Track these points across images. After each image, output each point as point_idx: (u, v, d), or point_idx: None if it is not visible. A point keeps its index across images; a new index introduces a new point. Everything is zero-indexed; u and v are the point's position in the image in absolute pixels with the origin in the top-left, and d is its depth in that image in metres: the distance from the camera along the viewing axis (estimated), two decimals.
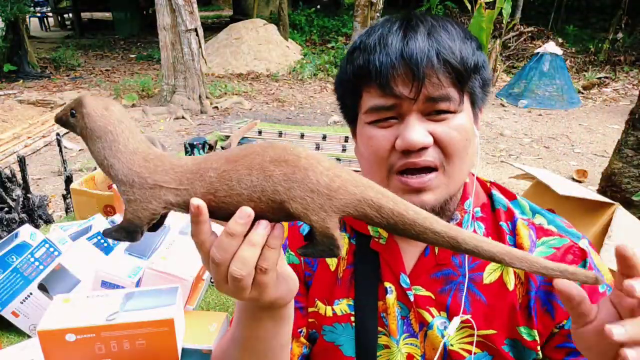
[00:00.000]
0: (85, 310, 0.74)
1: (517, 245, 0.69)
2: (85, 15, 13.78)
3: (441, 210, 0.65)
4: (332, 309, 0.73)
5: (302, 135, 2.32)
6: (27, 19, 10.07)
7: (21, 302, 0.96)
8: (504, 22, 7.11)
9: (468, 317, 0.67)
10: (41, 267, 1.03)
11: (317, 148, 2.26)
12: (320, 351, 0.76)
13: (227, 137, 2.31)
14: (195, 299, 1.09)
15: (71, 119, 0.50)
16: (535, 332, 0.67)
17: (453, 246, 0.47)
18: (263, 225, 0.46)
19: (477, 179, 0.74)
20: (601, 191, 2.65)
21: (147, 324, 0.71)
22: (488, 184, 0.76)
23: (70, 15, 13.32)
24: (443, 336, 0.68)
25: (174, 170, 0.49)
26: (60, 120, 0.51)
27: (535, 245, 0.68)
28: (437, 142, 0.61)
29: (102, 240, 1.26)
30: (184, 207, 0.48)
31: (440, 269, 0.69)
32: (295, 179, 0.47)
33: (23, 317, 0.96)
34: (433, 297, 0.69)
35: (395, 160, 0.63)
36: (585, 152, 4.60)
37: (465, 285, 0.68)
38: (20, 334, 0.95)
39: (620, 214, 1.74)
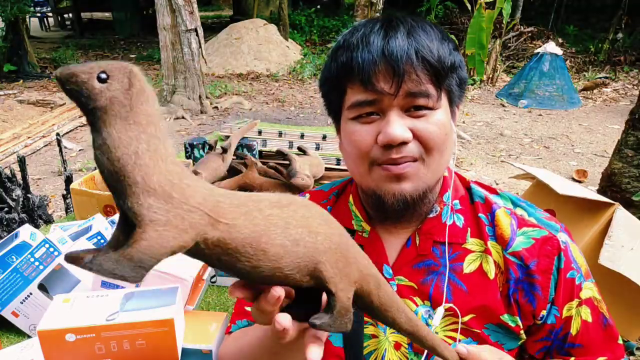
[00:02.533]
0: (85, 310, 0.74)
1: (497, 235, 0.72)
2: (85, 15, 13.77)
3: (420, 200, 0.68)
4: None
5: (302, 135, 2.32)
6: (27, 19, 10.07)
7: (21, 302, 0.96)
8: (504, 22, 7.11)
9: (451, 305, 0.69)
10: (41, 267, 1.03)
11: (317, 148, 2.26)
12: None
13: (227, 137, 2.31)
14: (195, 299, 1.09)
15: (97, 84, 0.36)
16: (518, 318, 0.70)
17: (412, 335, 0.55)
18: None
19: (456, 174, 0.77)
20: (601, 191, 2.65)
21: (147, 324, 0.71)
22: (467, 179, 0.78)
23: (70, 15, 13.31)
24: (428, 324, 0.70)
25: (215, 197, 0.40)
26: (71, 80, 0.35)
27: (516, 234, 0.71)
28: (417, 137, 0.65)
29: (102, 240, 1.26)
30: (217, 249, 0.39)
31: (421, 260, 0.72)
32: (335, 242, 0.44)
33: (23, 317, 0.96)
34: (416, 287, 0.72)
35: (378, 154, 0.66)
36: (585, 152, 4.60)
37: (447, 276, 0.70)
38: (20, 334, 0.95)
39: (620, 214, 1.74)
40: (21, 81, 7.24)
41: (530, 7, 10.10)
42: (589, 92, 6.80)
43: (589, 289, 0.72)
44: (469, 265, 0.71)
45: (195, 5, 5.57)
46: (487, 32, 6.65)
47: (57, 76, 0.36)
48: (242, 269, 0.41)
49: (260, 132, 2.36)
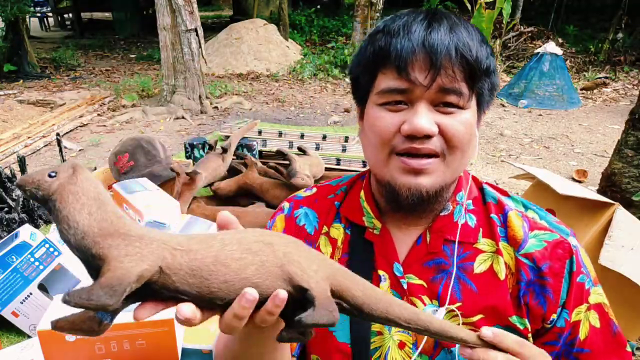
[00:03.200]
0: None
1: (509, 236, 0.71)
2: (85, 15, 13.77)
3: (434, 197, 0.67)
4: None
5: (302, 135, 2.32)
6: (27, 19, 10.07)
7: (21, 302, 0.96)
8: (504, 22, 7.11)
9: (453, 307, 0.69)
10: (41, 267, 1.03)
11: (317, 148, 2.26)
12: (315, 338, 0.77)
13: (227, 137, 2.31)
14: None
15: (47, 178, 0.44)
16: (526, 320, 0.69)
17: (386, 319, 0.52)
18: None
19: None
20: (601, 191, 2.65)
21: (147, 324, 0.71)
22: (479, 180, 0.78)
23: (70, 15, 13.31)
24: None
25: (166, 234, 0.46)
26: (29, 182, 0.44)
27: (528, 236, 0.70)
28: (442, 133, 0.64)
29: None
30: (179, 270, 0.44)
31: (432, 258, 0.72)
32: (292, 247, 0.48)
33: (23, 317, 0.96)
34: (425, 285, 0.71)
35: (399, 143, 0.65)
36: (585, 152, 4.60)
37: (454, 274, 0.70)
38: (20, 334, 0.95)
39: (620, 214, 1.74)
40: (21, 81, 7.24)
41: (530, 7, 10.10)
42: (589, 92, 6.80)
43: (598, 295, 0.71)
44: (480, 265, 0.70)
45: (195, 5, 5.57)
46: (487, 32, 6.65)
47: (18, 184, 0.45)
48: (213, 286, 0.44)
49: (260, 132, 2.35)
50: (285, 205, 0.86)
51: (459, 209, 0.72)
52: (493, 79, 0.67)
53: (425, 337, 0.70)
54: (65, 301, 0.39)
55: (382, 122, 0.66)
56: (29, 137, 4.79)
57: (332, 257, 0.77)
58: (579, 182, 3.81)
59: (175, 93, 5.94)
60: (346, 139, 2.30)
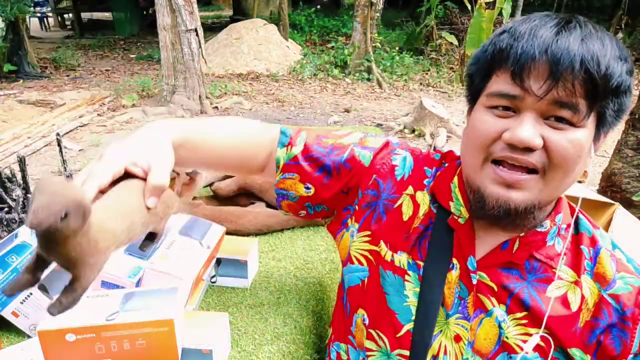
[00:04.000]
0: (85, 310, 0.74)
1: (596, 272, 0.68)
2: (85, 15, 13.76)
3: (523, 214, 0.64)
4: (392, 256, 0.75)
5: None
6: (27, 19, 10.06)
7: (21, 302, 0.96)
8: (504, 22, 7.11)
9: (546, 333, 0.67)
10: None
11: None
12: (369, 290, 0.78)
13: None
14: (196, 299, 1.09)
15: (60, 223, 0.45)
16: (589, 357, 0.66)
17: None
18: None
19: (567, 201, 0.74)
20: (601, 191, 2.65)
21: (147, 324, 0.71)
22: (574, 207, 0.75)
23: (70, 15, 13.31)
24: (500, 327, 0.68)
25: (115, 234, 0.58)
26: (43, 225, 0.44)
27: (616, 277, 0.68)
28: (547, 148, 0.60)
29: None
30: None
31: (509, 267, 0.69)
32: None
33: (23, 317, 0.96)
34: (495, 289, 0.69)
35: (497, 149, 0.62)
36: None
37: (547, 310, 0.67)
38: (20, 334, 0.95)
39: (620, 214, 1.74)
40: (21, 81, 7.24)
41: (530, 7, 10.09)
42: None
43: None
44: (554, 290, 0.68)
45: (195, 5, 5.58)
46: (487, 32, 6.64)
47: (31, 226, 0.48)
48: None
49: None
50: (396, 139, 0.84)
51: (555, 231, 0.69)
52: (622, 100, 0.61)
53: (468, 337, 0.70)
54: (51, 313, 0.54)
55: (484, 125, 0.63)
56: (29, 137, 4.79)
57: (409, 221, 0.76)
58: (579, 182, 3.80)
59: (175, 93, 5.94)
60: None
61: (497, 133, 0.62)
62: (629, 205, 2.34)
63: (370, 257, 0.78)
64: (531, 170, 0.61)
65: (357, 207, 0.81)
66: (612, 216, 1.73)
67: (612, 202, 1.80)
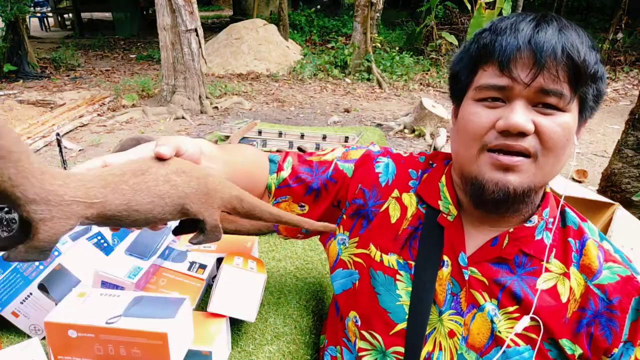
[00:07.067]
0: (93, 308, 0.73)
1: (582, 264, 0.70)
2: (85, 15, 13.77)
3: (521, 197, 0.66)
4: (381, 256, 0.78)
5: (302, 135, 2.32)
6: (27, 19, 10.07)
7: (21, 302, 0.96)
8: None
9: (537, 321, 0.68)
10: (41, 267, 1.03)
11: (317, 148, 2.26)
12: (360, 292, 0.79)
13: (227, 137, 2.31)
14: (195, 299, 1.09)
15: None
16: (577, 347, 0.68)
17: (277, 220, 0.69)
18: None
19: (552, 194, 0.76)
20: (601, 191, 2.65)
21: (142, 334, 0.69)
22: (560, 201, 0.77)
23: (70, 15, 13.31)
24: (492, 322, 0.70)
25: (85, 186, 0.51)
26: None
27: (602, 267, 0.69)
28: (538, 133, 0.63)
29: (102, 240, 1.26)
30: (99, 219, 0.52)
31: (499, 262, 0.71)
32: (193, 186, 0.58)
33: (23, 317, 0.96)
34: (487, 283, 0.71)
35: (492, 138, 0.65)
36: (585, 152, 4.60)
37: (539, 291, 0.69)
38: (20, 334, 0.95)
39: (620, 214, 1.74)
40: (21, 81, 7.24)
41: (530, 7, 10.09)
42: None
43: None
44: (543, 282, 0.70)
45: (195, 5, 5.57)
46: None
47: None
48: (124, 224, 0.55)
49: (260, 132, 2.35)
50: (377, 147, 0.87)
51: (542, 225, 0.72)
52: (599, 86, 0.65)
53: (462, 331, 0.72)
54: (6, 259, 0.50)
55: (477, 117, 0.66)
56: (29, 137, 4.79)
57: (397, 223, 0.78)
58: (579, 182, 3.81)
59: (175, 93, 5.94)
60: (346, 139, 2.30)
61: (490, 122, 0.65)
62: (629, 205, 2.34)
63: (359, 260, 0.80)
64: (525, 156, 0.64)
65: (344, 217, 0.84)
66: (612, 216, 1.74)
67: (612, 202, 1.80)
